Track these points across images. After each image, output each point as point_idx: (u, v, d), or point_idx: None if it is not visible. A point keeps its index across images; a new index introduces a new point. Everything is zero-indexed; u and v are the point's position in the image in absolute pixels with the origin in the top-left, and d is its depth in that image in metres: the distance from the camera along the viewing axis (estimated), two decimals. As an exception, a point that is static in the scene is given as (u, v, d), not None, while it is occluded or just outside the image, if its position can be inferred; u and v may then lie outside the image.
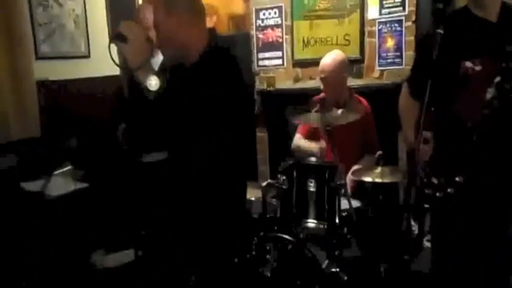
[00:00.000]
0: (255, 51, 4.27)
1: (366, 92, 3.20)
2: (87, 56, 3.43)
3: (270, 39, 4.21)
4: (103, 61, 2.90)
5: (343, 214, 2.37)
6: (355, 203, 2.51)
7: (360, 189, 2.72)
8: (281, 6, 4.10)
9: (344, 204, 2.39)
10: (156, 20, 1.62)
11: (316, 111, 2.52)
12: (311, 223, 2.33)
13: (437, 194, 1.67)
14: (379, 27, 3.77)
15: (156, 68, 2.04)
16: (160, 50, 1.82)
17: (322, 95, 3.00)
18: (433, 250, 1.98)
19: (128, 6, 3.53)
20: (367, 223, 2.56)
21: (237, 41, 4.31)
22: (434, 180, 1.69)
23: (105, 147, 2.79)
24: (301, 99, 3.19)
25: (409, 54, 3.66)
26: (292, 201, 2.37)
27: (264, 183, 2.50)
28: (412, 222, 2.61)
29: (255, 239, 2.26)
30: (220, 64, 1.62)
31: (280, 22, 4.14)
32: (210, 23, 3.90)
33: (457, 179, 1.67)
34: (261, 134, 4.31)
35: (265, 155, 4.31)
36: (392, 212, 2.75)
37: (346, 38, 3.90)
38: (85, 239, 2.64)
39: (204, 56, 1.63)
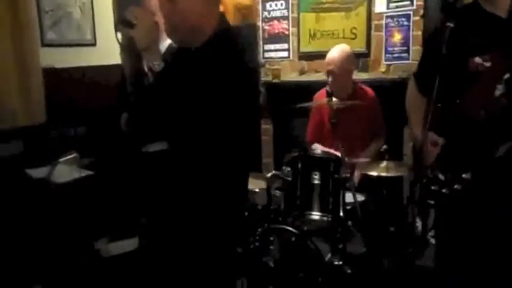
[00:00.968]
0: (261, 42, 4.25)
1: (371, 86, 3.19)
2: (93, 44, 3.42)
3: (276, 31, 4.19)
4: (109, 49, 2.90)
5: (348, 207, 2.38)
6: (360, 197, 2.51)
7: (365, 182, 2.72)
8: (288, -2, 4.08)
9: (348, 197, 2.39)
10: (169, 3, 1.58)
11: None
12: (315, 215, 2.33)
13: (444, 191, 1.67)
14: (387, 21, 3.74)
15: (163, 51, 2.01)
16: (168, 35, 1.78)
17: (325, 88, 2.99)
18: (437, 246, 1.98)
19: (135, -6, 3.51)
20: (370, 217, 2.57)
21: (243, 31, 4.28)
22: (441, 177, 1.68)
23: (109, 135, 2.79)
24: (306, 92, 3.18)
25: (416, 49, 3.63)
26: (297, 193, 2.37)
27: (269, 175, 2.51)
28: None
29: (259, 230, 2.27)
30: (227, 47, 1.58)
31: (286, 14, 4.12)
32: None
33: (464, 175, 1.66)
34: (266, 126, 4.30)
35: (270, 147, 4.31)
36: (395, 206, 2.76)
37: (353, 31, 3.87)
38: (89, 227, 2.66)
39: (212, 38, 1.61)
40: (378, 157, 2.66)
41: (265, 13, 4.20)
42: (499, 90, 1.71)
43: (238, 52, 1.61)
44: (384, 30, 3.76)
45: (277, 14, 4.15)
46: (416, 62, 2.10)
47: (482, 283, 1.80)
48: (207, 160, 1.60)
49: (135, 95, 1.61)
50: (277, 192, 2.56)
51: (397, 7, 3.69)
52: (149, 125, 1.66)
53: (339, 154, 2.43)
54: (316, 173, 2.35)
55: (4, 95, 2.79)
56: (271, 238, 2.24)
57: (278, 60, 4.20)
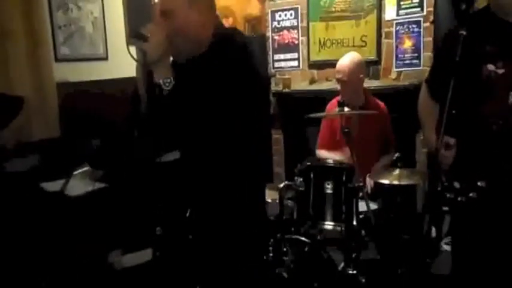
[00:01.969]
0: (271, 53, 4.27)
1: (382, 93, 3.18)
2: (105, 58, 3.47)
3: (286, 41, 4.21)
4: (121, 63, 2.93)
5: (361, 216, 2.37)
6: (373, 205, 2.50)
7: (378, 191, 2.70)
8: (297, 8, 4.10)
9: (362, 206, 2.38)
10: (175, 11, 1.59)
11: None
12: (328, 225, 2.32)
13: (459, 198, 1.65)
14: (397, 28, 3.74)
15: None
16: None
17: (337, 98, 2.98)
18: (453, 254, 1.95)
19: (146, 9, 3.56)
20: (384, 225, 2.54)
21: (253, 42, 4.31)
22: (456, 184, 1.67)
23: (123, 147, 2.82)
24: (317, 101, 3.18)
25: (427, 55, 3.62)
26: (309, 203, 2.37)
27: (281, 185, 2.50)
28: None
29: (272, 240, 2.26)
30: (230, 49, 1.61)
31: (296, 24, 4.14)
32: (226, 24, 3.91)
33: (479, 183, 1.64)
34: (277, 136, 4.31)
35: (281, 157, 4.31)
36: (409, 214, 2.73)
37: (363, 39, 3.87)
38: (102, 239, 2.67)
39: (213, 44, 1.63)
40: (391, 164, 2.65)
41: (275, 23, 4.22)
42: None
43: (240, 52, 1.63)
44: (394, 37, 3.76)
45: (287, 23, 4.18)
46: (428, 68, 2.09)
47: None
48: (220, 168, 1.61)
49: (148, 108, 1.64)
50: (289, 202, 2.55)
51: (407, 14, 3.69)
52: (164, 136, 1.68)
53: (350, 162, 2.42)
54: (329, 182, 2.34)
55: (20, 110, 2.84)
56: (285, 249, 2.23)
57: (288, 69, 4.22)
